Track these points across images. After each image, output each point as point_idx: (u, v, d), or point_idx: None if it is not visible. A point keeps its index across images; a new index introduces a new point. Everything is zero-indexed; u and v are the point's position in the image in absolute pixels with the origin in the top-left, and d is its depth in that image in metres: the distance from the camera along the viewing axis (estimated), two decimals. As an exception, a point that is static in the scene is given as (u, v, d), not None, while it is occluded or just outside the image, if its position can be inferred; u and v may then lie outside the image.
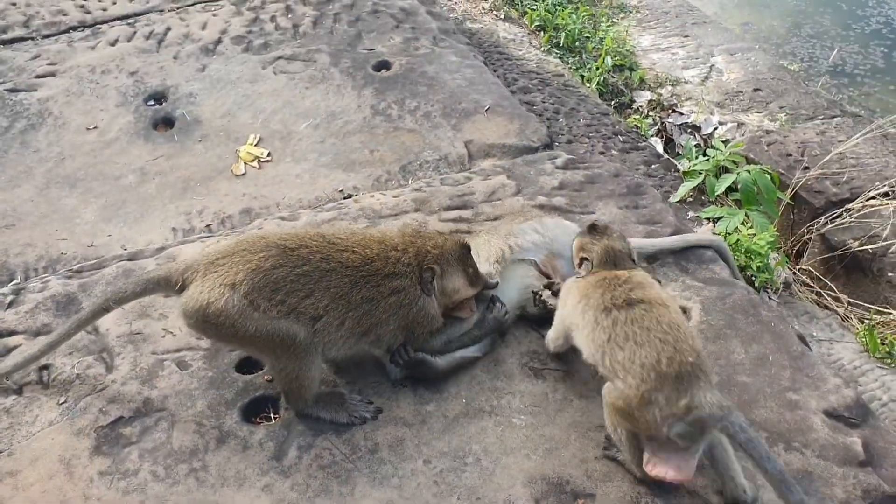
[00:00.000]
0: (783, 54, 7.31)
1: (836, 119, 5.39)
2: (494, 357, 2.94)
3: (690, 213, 4.80)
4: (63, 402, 2.88)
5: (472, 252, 2.85)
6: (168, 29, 5.36)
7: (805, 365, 2.88)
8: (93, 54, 5.13)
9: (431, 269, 2.73)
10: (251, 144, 4.35)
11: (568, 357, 2.91)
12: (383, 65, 4.91)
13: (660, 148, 5.48)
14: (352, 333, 2.69)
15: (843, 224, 4.71)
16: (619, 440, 2.46)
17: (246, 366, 3.00)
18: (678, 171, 5.02)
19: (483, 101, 4.53)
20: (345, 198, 3.93)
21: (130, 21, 5.46)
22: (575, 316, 2.58)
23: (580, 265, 2.76)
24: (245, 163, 4.24)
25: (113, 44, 5.24)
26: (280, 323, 2.56)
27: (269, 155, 4.28)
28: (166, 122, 4.62)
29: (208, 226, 3.88)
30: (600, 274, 2.63)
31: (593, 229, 2.81)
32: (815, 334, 4.22)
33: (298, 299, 2.58)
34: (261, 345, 2.63)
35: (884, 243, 4.60)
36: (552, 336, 2.83)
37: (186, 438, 2.75)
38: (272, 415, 2.87)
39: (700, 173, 4.79)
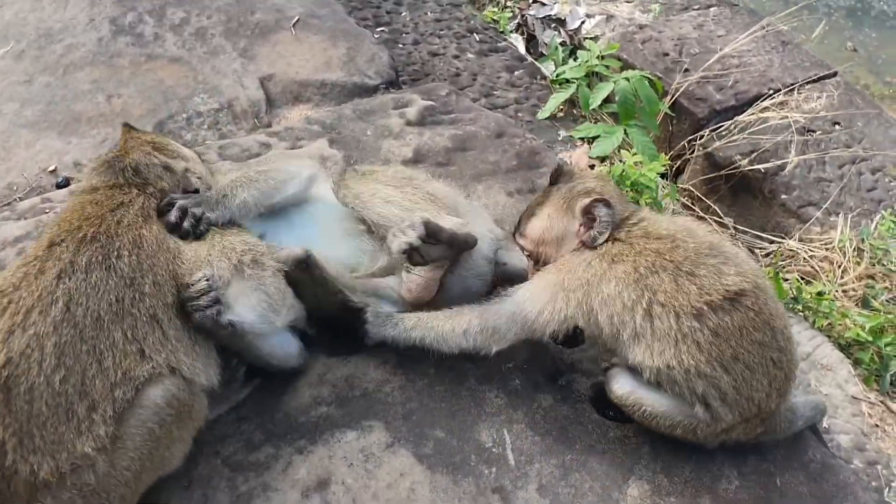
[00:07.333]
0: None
1: (712, 9, 4.28)
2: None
3: (562, 133, 3.65)
4: None
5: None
6: None
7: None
8: None
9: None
10: None
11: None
12: (130, -50, 3.00)
13: (522, 48, 4.37)
14: None
15: (731, 139, 3.74)
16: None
17: None
18: (545, 77, 3.80)
19: (290, 8, 2.82)
20: (58, 185, 2.24)
21: None
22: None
23: (589, 227, 1.80)
24: None
25: None
26: None
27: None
28: None
29: None
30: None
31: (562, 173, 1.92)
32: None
33: None
34: None
35: (778, 161, 3.68)
36: (504, 328, 1.81)
37: None
38: None
39: (571, 82, 3.87)
